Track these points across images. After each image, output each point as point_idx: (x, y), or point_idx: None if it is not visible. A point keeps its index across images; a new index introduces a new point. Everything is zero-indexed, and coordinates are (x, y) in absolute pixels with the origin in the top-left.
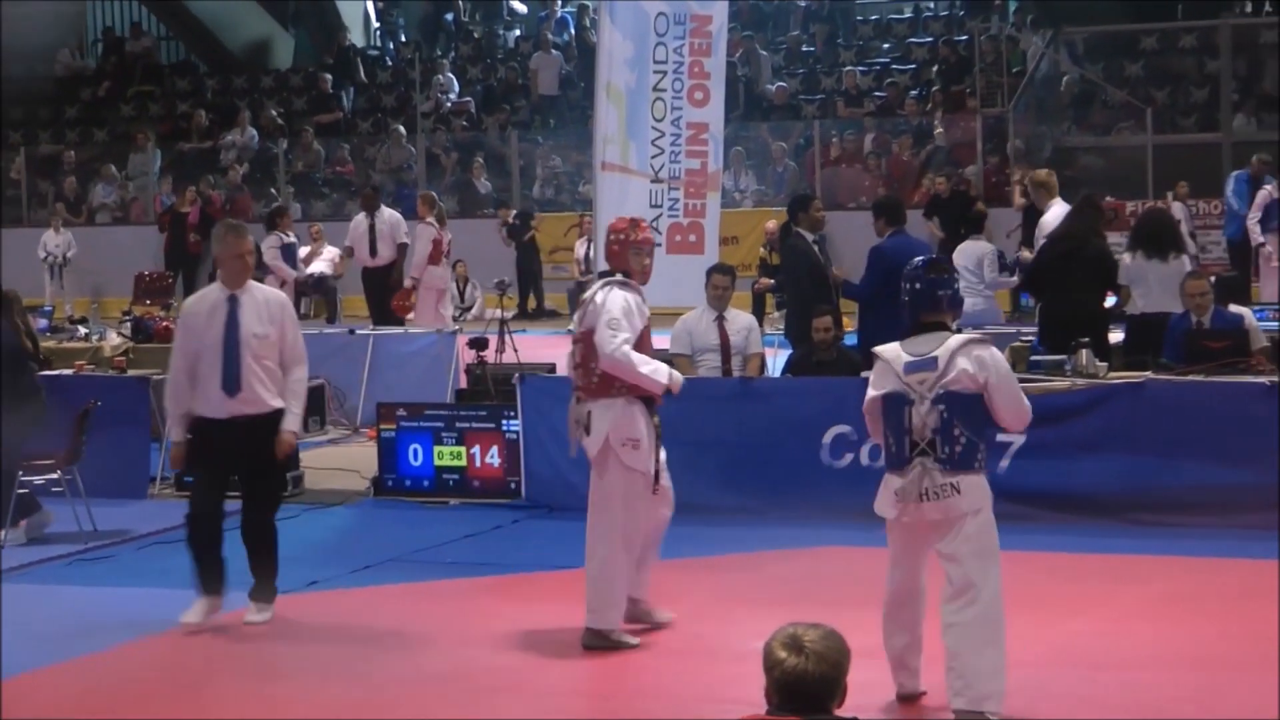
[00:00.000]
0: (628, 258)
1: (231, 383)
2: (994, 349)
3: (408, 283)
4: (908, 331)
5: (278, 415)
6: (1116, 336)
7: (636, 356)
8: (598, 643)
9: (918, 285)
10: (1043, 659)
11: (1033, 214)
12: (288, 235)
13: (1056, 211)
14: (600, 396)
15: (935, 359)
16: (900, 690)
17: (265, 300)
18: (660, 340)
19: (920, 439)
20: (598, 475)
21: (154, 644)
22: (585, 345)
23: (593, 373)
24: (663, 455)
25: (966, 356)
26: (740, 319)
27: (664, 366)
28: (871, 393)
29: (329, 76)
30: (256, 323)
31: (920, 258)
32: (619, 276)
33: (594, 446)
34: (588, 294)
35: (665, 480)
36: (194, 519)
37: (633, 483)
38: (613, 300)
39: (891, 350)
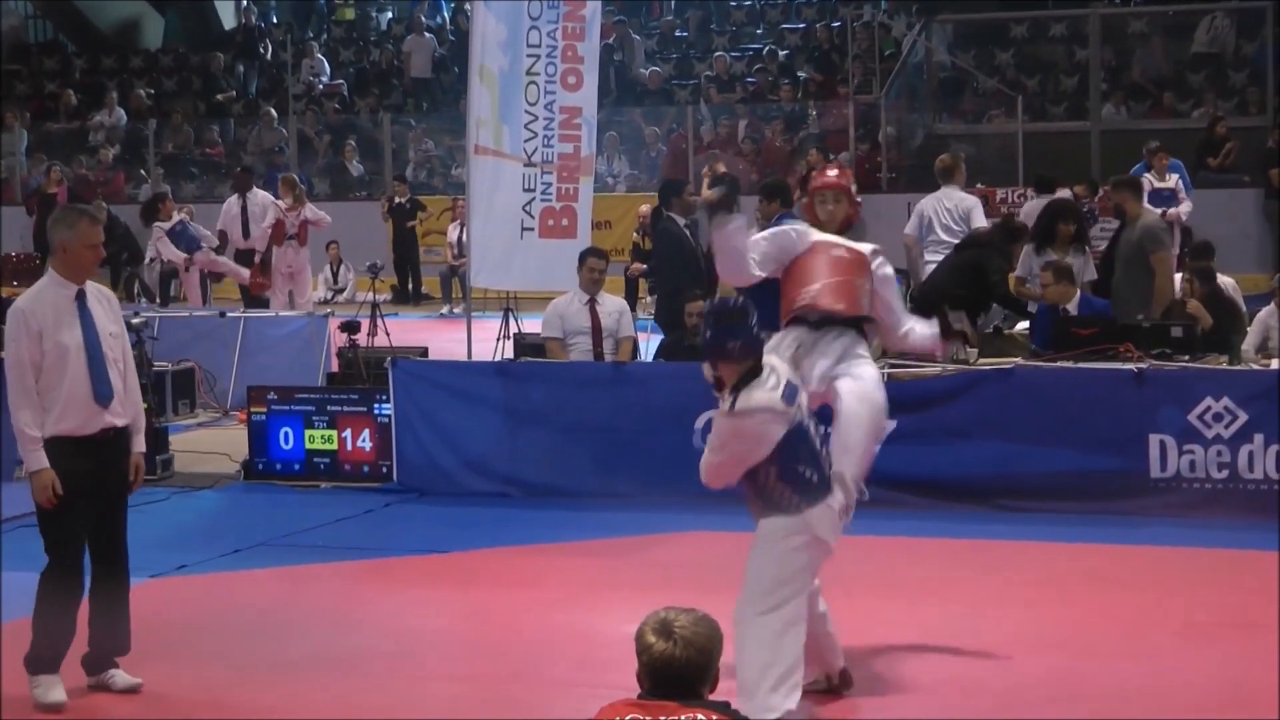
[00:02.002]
0: (814, 207)
1: (105, 389)
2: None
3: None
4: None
5: (125, 433)
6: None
7: None
8: None
9: (708, 333)
10: (910, 642)
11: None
12: (171, 220)
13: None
14: None
15: (794, 384)
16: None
17: (105, 296)
18: (531, 324)
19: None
20: None
21: (19, 629)
22: None
23: None
24: None
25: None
26: (612, 303)
27: None
28: (782, 410)
29: (280, 55)
30: (108, 320)
31: (717, 301)
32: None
33: None
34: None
35: None
36: (65, 579)
37: None
38: None
39: (764, 392)
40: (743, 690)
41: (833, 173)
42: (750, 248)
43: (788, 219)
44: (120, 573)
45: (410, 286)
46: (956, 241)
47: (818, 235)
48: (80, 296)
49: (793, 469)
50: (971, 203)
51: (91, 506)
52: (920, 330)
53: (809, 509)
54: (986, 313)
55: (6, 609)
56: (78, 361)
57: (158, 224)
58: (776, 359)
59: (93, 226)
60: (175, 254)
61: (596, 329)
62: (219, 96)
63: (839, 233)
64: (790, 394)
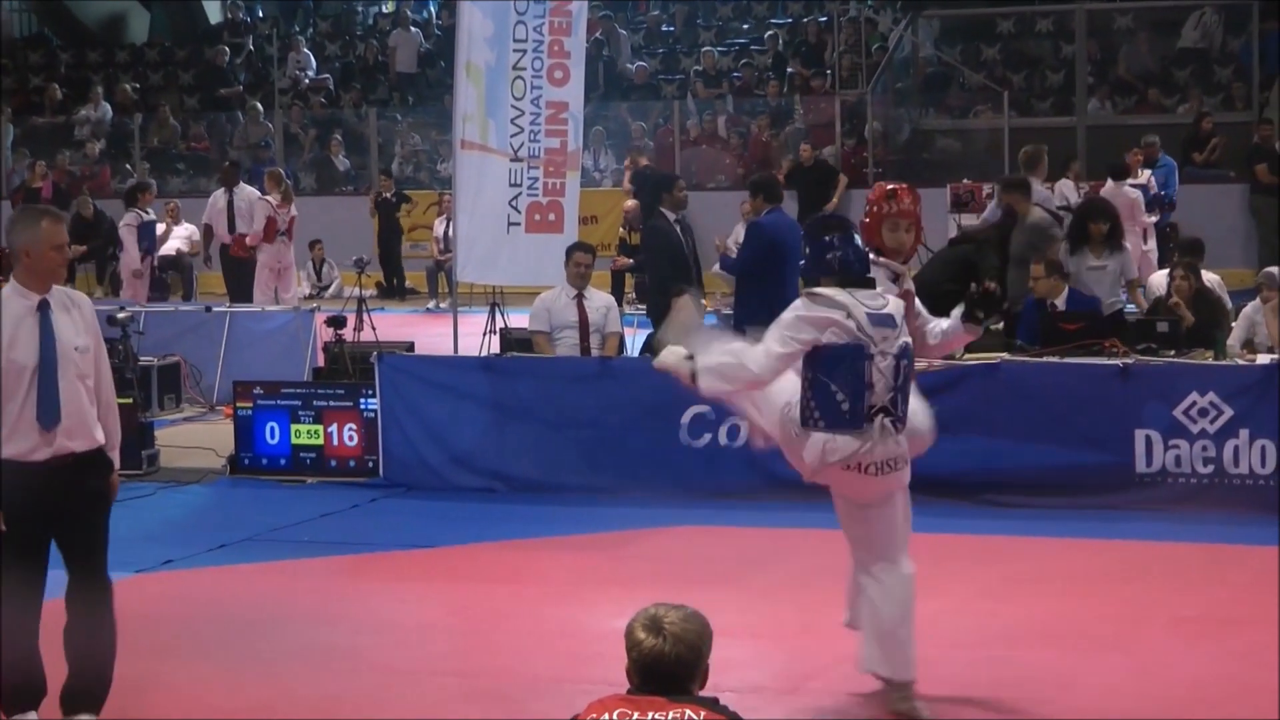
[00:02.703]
0: (881, 232)
1: (51, 412)
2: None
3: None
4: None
5: (101, 452)
6: None
7: None
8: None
9: (805, 248)
10: None
11: None
12: (147, 213)
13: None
14: None
15: (892, 316)
16: None
17: (74, 302)
18: (518, 319)
19: (880, 398)
20: None
21: None
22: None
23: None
24: None
25: (900, 313)
26: (599, 298)
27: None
28: (805, 335)
29: (266, 49)
30: (74, 333)
31: (814, 218)
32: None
33: None
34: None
35: None
36: (12, 611)
37: None
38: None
39: (848, 299)
40: None
41: (908, 200)
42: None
43: (776, 214)
44: (96, 607)
45: (394, 281)
46: None
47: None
48: (43, 306)
49: (824, 385)
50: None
51: (45, 535)
52: (946, 325)
53: (816, 432)
54: None
55: None
56: (26, 381)
57: (136, 210)
58: (894, 298)
59: (55, 225)
60: (134, 250)
61: (584, 324)
62: (223, 91)
63: (904, 262)
64: (877, 319)
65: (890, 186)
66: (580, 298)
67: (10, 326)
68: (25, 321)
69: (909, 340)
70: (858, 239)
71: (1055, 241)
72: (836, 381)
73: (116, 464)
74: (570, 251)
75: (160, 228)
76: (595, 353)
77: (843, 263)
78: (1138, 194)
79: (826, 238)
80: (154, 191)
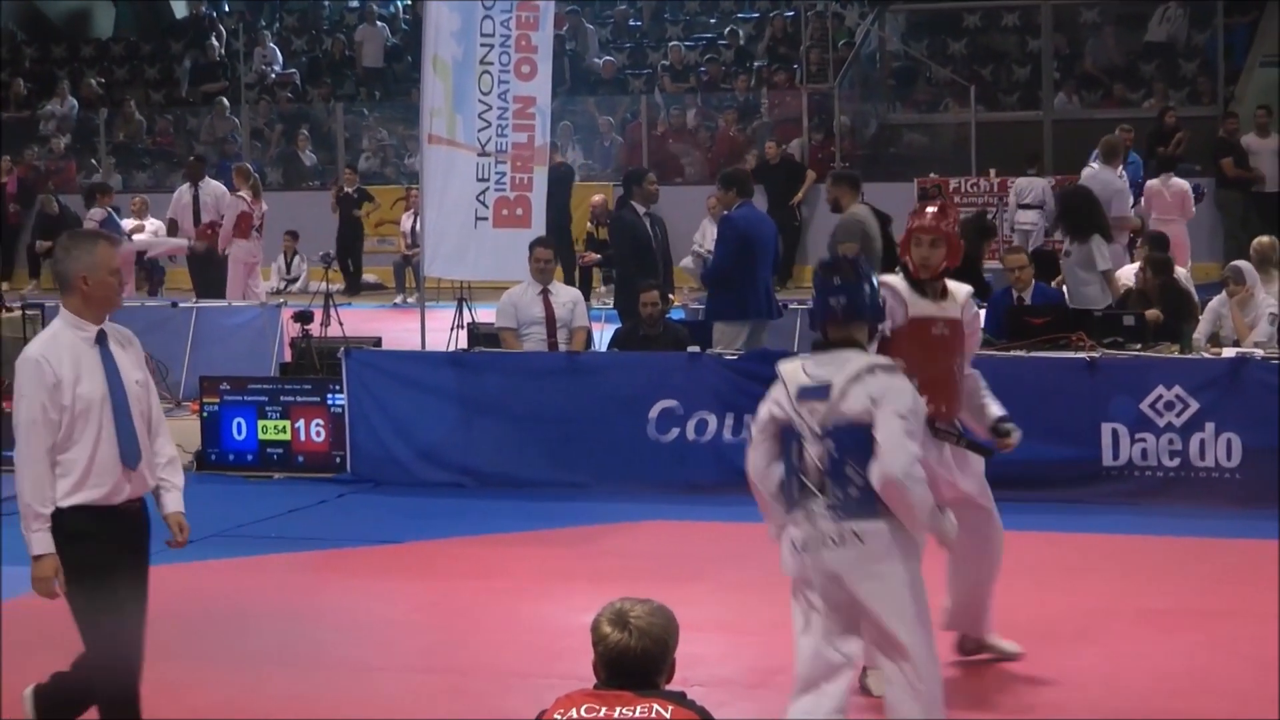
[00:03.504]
0: (910, 248)
1: (133, 450)
2: (904, 382)
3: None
4: (815, 345)
5: (145, 503)
6: None
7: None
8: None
9: (815, 293)
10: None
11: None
12: (105, 212)
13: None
14: None
15: (828, 387)
16: None
17: (126, 337)
18: (485, 314)
19: (811, 481)
20: None
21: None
22: None
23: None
24: None
25: (865, 386)
26: (565, 292)
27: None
28: (763, 410)
29: (234, 44)
30: (132, 366)
31: (825, 257)
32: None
33: None
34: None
35: None
36: (111, 698)
37: None
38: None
39: (791, 368)
40: None
41: (931, 212)
42: None
43: (747, 208)
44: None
45: (353, 274)
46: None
47: (916, 303)
48: (101, 339)
49: (787, 462)
50: (1117, 188)
51: (139, 597)
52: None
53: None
54: None
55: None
56: (103, 418)
57: (96, 209)
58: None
59: (111, 248)
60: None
61: (550, 318)
62: (208, 86)
63: (937, 278)
64: (806, 392)
65: (923, 203)
66: (546, 293)
67: (72, 361)
68: (86, 355)
69: (851, 417)
70: (867, 283)
71: (853, 240)
72: (786, 462)
73: (181, 506)
74: (531, 247)
75: (128, 223)
76: (563, 347)
77: (847, 311)
78: (1187, 185)
79: (833, 281)
80: (112, 193)
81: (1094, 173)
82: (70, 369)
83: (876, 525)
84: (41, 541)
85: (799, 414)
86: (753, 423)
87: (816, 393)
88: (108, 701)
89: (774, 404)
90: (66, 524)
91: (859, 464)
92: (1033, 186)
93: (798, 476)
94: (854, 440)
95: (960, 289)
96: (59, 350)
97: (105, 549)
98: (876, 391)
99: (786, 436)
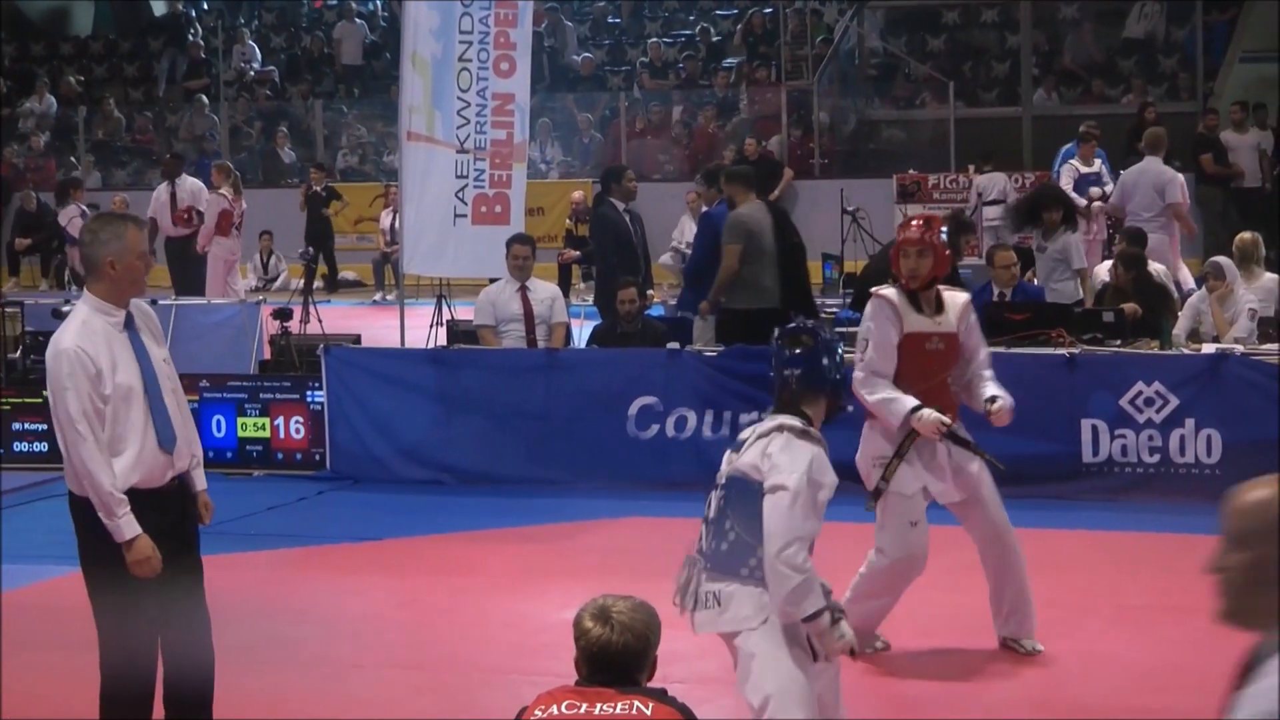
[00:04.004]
0: (899, 260)
1: (169, 432)
2: (807, 452)
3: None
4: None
5: (186, 479)
6: None
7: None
8: None
9: (771, 359)
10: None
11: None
12: (86, 209)
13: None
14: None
15: (742, 441)
16: None
17: (146, 315)
18: (465, 311)
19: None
20: None
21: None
22: None
23: None
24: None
25: (766, 443)
26: (543, 289)
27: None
28: None
29: (212, 41)
30: (155, 344)
31: (784, 327)
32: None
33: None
34: None
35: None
36: (137, 693)
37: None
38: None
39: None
40: None
41: (916, 224)
42: (859, 367)
43: (725, 204)
44: (202, 630)
45: (326, 274)
46: (1149, 215)
47: (910, 318)
48: (129, 323)
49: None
50: (1169, 176)
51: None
52: (987, 387)
53: None
54: None
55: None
56: (135, 404)
57: (76, 205)
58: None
59: (139, 232)
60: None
61: (529, 315)
62: (189, 83)
63: (926, 289)
64: (733, 444)
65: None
66: (524, 289)
67: (107, 350)
68: (118, 342)
69: (744, 469)
70: (827, 355)
71: (738, 241)
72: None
73: (204, 484)
74: (509, 244)
75: None
76: (542, 344)
77: (801, 382)
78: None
79: (791, 350)
80: (84, 188)
81: (1144, 165)
82: (107, 358)
83: (739, 589)
84: (129, 525)
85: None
86: None
87: (735, 445)
88: (175, 698)
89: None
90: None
91: (738, 520)
92: (994, 182)
93: (703, 523)
94: (740, 495)
95: (957, 299)
96: (94, 340)
97: (156, 537)
98: (773, 451)
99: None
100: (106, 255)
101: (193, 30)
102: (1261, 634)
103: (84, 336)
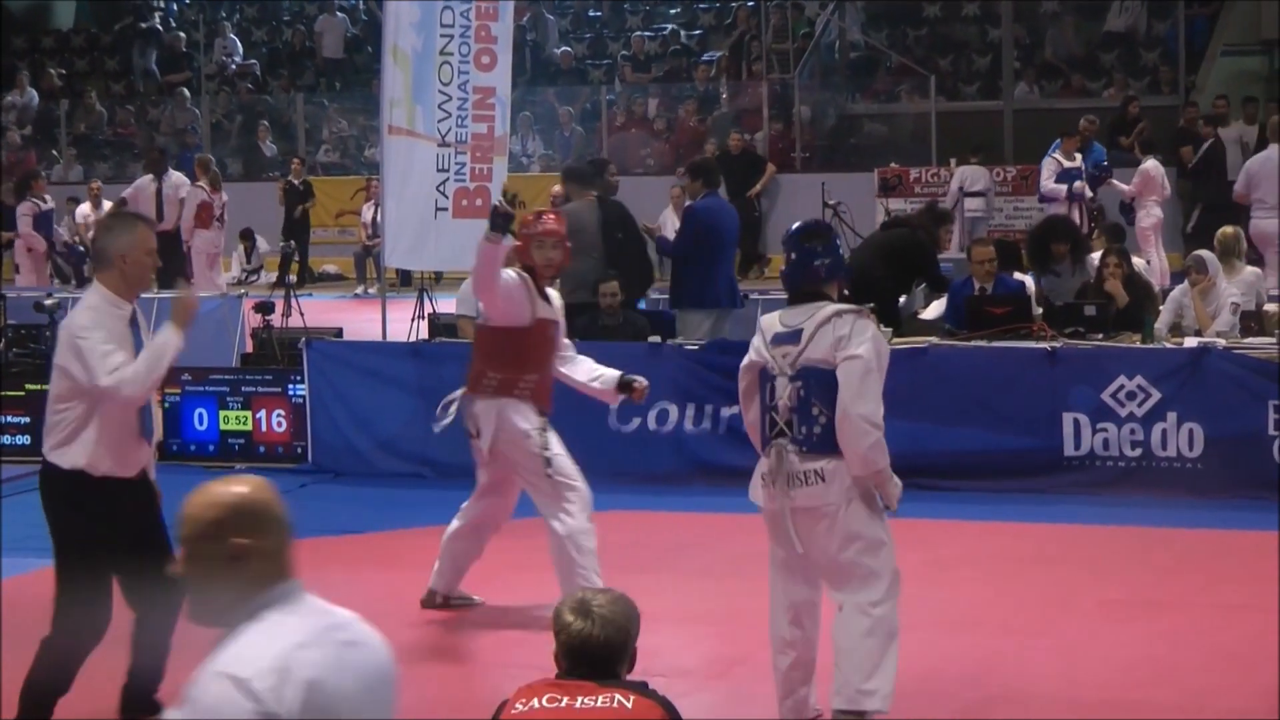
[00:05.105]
0: (530, 251)
1: (149, 424)
2: (869, 326)
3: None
4: (789, 300)
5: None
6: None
7: None
8: None
9: (792, 255)
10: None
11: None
12: (44, 202)
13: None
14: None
15: (800, 331)
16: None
17: (139, 313)
18: (446, 304)
19: (781, 418)
20: None
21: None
22: None
23: None
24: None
25: (833, 328)
26: None
27: None
28: (745, 359)
29: (192, 35)
30: (147, 340)
31: (797, 224)
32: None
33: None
34: None
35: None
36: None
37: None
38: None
39: (768, 319)
40: None
41: (552, 217)
42: None
43: (711, 198)
44: (172, 612)
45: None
46: (1272, 201)
47: (540, 306)
48: (133, 320)
49: (762, 401)
50: (1270, 169)
51: (128, 557)
52: (596, 376)
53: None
54: (909, 294)
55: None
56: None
57: (33, 199)
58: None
59: (149, 229)
60: (36, 236)
61: None
62: (171, 76)
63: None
64: (780, 337)
65: (539, 210)
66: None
67: (116, 339)
68: (122, 335)
69: (817, 359)
70: (838, 246)
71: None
72: (761, 402)
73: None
74: None
75: (84, 207)
76: None
77: (829, 270)
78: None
79: (816, 247)
80: (44, 181)
81: (1269, 153)
82: (116, 345)
83: (838, 464)
84: (169, 330)
85: (773, 358)
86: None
87: (789, 337)
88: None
89: (753, 351)
90: (98, 492)
91: (824, 405)
92: (978, 174)
93: (770, 415)
94: (820, 382)
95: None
96: (104, 324)
97: (133, 521)
98: (841, 333)
99: (763, 379)
100: (118, 250)
101: (162, 20)
102: None
103: (96, 319)
